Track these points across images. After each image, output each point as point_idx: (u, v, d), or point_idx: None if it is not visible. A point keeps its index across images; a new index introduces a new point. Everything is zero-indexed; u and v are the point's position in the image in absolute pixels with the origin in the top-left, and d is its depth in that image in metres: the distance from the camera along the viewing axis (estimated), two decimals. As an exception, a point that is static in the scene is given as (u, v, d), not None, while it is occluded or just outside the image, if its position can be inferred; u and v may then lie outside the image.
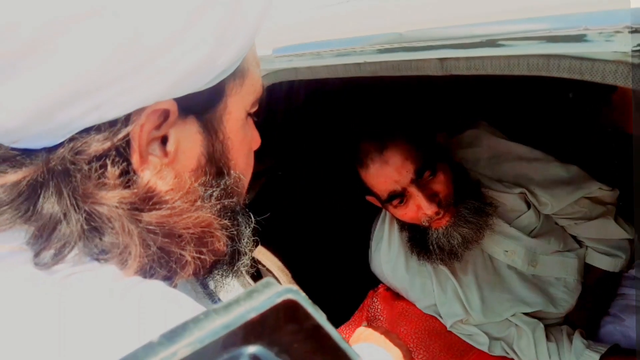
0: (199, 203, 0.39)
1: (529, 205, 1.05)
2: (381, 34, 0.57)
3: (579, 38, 0.39)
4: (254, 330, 0.23)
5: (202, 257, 0.39)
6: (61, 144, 0.34)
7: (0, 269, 0.34)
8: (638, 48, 0.36)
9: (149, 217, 0.35)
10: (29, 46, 0.31)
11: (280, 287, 0.24)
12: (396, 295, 1.14)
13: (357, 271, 1.19)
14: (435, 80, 0.87)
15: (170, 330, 0.21)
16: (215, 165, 0.41)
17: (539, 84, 1.13)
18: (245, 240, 0.45)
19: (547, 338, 0.98)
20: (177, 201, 0.37)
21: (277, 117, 1.09)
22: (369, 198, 1.03)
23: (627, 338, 0.98)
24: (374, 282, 1.18)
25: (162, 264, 0.37)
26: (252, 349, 0.23)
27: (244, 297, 0.23)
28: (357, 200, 1.06)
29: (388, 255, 1.11)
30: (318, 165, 1.22)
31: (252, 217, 0.47)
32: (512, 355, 1.00)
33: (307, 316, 0.23)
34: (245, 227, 0.46)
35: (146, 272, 0.36)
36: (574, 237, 1.07)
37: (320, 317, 0.23)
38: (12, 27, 0.30)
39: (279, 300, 0.23)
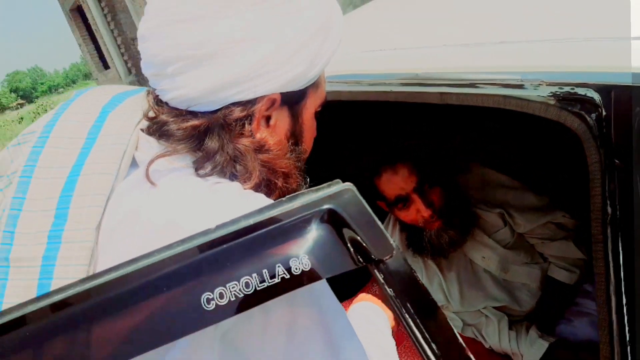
0: (287, 156, 0.65)
1: (505, 223, 1.31)
2: (403, 72, 0.85)
3: (520, 86, 0.66)
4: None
5: (285, 186, 0.65)
6: (218, 110, 0.61)
7: (177, 175, 0.60)
8: (551, 94, 0.63)
9: (262, 156, 0.62)
10: (211, 54, 0.58)
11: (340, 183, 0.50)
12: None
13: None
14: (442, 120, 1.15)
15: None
16: (295, 138, 0.68)
17: (527, 126, 1.39)
18: (304, 187, 0.71)
19: (509, 328, 1.22)
20: (276, 151, 0.63)
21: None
22: (379, 202, 1.28)
23: (574, 336, 1.22)
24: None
25: (265, 185, 0.63)
26: (327, 205, 0.48)
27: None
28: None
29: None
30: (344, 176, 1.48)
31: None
32: (479, 338, 1.23)
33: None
34: (304, 181, 0.71)
35: (256, 189, 0.62)
36: (540, 254, 1.32)
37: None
38: (204, 42, 0.57)
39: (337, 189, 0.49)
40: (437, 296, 1.28)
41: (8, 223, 0.57)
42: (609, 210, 0.56)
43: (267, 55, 0.59)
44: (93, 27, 12.39)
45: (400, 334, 1.23)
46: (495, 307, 1.26)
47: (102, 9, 11.77)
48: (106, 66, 13.62)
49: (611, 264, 0.57)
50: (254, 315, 0.55)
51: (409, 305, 0.52)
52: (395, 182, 1.18)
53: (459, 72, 0.73)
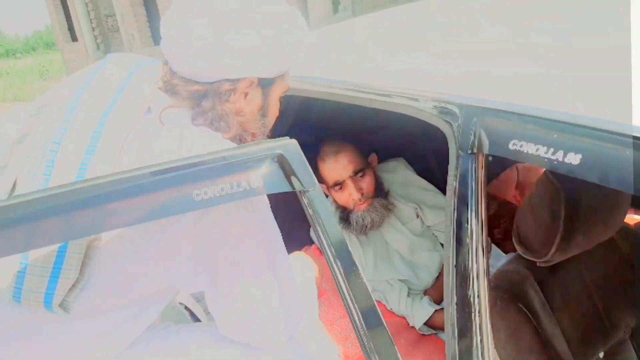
0: (256, 122, 0.94)
1: (417, 216, 1.64)
2: (348, 81, 1.15)
3: (417, 100, 0.97)
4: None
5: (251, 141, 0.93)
6: (214, 82, 0.89)
7: (179, 121, 0.87)
8: (433, 107, 0.94)
9: (238, 118, 0.90)
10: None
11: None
12: (321, 253, 1.67)
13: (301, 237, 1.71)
14: (375, 123, 1.46)
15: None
16: (263, 111, 0.97)
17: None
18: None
19: (408, 295, 1.54)
20: (249, 117, 0.92)
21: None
22: (321, 185, 1.58)
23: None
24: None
25: (238, 139, 0.91)
26: (278, 150, 0.77)
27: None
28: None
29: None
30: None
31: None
32: (383, 302, 1.54)
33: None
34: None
35: (232, 140, 0.90)
36: (441, 243, 1.65)
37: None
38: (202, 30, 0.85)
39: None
40: (355, 265, 1.58)
41: (57, 135, 0.83)
42: (456, 185, 0.88)
43: (252, 52, 0.88)
44: (67, -2, 12.26)
45: (321, 289, 1.52)
46: (399, 279, 1.57)
47: (80, -19, 11.65)
48: (74, 38, 13.43)
49: (454, 223, 0.89)
50: (220, 219, 0.83)
51: (321, 224, 0.81)
52: (335, 169, 1.49)
53: (382, 85, 1.04)
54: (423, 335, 1.46)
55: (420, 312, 1.48)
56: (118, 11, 10.07)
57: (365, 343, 0.80)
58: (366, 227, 1.53)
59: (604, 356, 1.07)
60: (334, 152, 1.48)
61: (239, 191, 0.74)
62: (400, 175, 1.70)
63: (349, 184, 1.49)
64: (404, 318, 1.52)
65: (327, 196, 1.63)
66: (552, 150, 0.69)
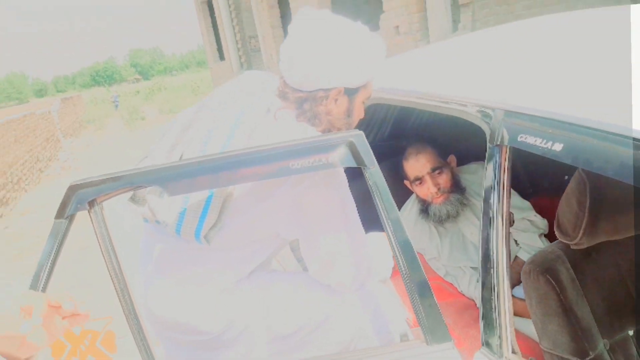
0: (341, 121, 1.28)
1: (493, 213, 1.84)
2: (418, 91, 1.45)
3: (465, 105, 1.24)
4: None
5: None
6: (312, 91, 1.25)
7: (287, 118, 1.25)
8: (477, 111, 1.21)
9: (329, 117, 1.26)
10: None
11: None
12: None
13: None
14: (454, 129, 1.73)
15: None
16: (348, 113, 1.31)
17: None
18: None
19: (477, 281, 1.75)
20: (336, 117, 1.27)
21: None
22: (405, 182, 1.87)
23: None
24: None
25: (327, 132, 1.26)
26: (350, 138, 1.10)
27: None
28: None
29: (405, 217, 1.95)
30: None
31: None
32: (455, 284, 1.78)
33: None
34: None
35: (322, 132, 1.26)
36: (515, 239, 1.84)
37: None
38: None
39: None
40: (432, 250, 1.84)
41: (210, 126, 1.25)
42: (494, 175, 1.13)
43: (341, 68, 1.23)
44: (218, 21, 13.81)
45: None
46: (471, 267, 1.80)
47: (229, 5, 13.05)
48: (222, 57, 15.06)
49: (485, 205, 1.14)
50: (311, 187, 1.18)
51: (379, 195, 1.12)
52: (415, 166, 1.78)
53: (442, 94, 1.32)
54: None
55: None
56: (260, 33, 11.19)
57: (416, 309, 1.08)
58: (442, 218, 1.79)
59: (609, 348, 1.21)
60: (415, 152, 1.77)
61: (322, 164, 1.09)
62: (478, 177, 1.92)
63: (427, 179, 1.76)
64: (472, 300, 1.74)
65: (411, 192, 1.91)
66: (544, 141, 0.94)
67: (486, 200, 1.12)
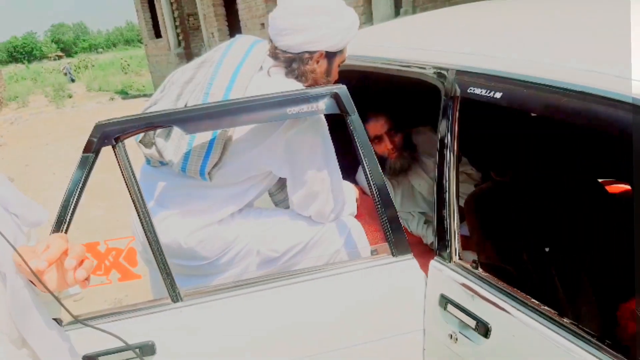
0: (322, 79, 1.53)
1: (437, 168, 2.17)
2: (386, 57, 1.72)
3: (423, 68, 1.53)
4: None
5: None
6: (299, 52, 1.49)
7: (278, 74, 1.48)
8: (434, 72, 1.50)
9: (313, 75, 1.50)
10: (302, 30, 1.46)
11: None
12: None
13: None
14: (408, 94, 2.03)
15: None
16: (327, 73, 1.56)
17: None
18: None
19: (424, 223, 2.08)
20: (319, 75, 1.51)
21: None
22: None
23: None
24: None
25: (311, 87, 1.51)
26: (335, 90, 1.35)
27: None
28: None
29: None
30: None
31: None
32: (406, 225, 2.10)
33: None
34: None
35: (308, 87, 1.50)
36: (455, 190, 2.17)
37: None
38: (300, 24, 1.45)
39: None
40: (387, 199, 2.14)
41: (210, 78, 1.46)
42: (448, 121, 1.42)
43: (323, 35, 1.48)
44: (154, -2, 13.50)
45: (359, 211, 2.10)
46: (419, 212, 2.12)
47: (167, -17, 12.73)
48: (158, 35, 14.70)
49: (438, 147, 1.43)
50: (300, 132, 1.43)
51: (359, 138, 1.39)
52: (375, 127, 2.06)
53: (404, 59, 1.60)
54: (430, 249, 2.01)
55: (431, 234, 2.03)
56: (201, 11, 11.08)
57: (388, 236, 1.37)
58: (396, 171, 2.09)
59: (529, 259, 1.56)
60: (375, 115, 2.06)
61: (311, 111, 1.33)
62: (426, 137, 2.24)
63: (385, 137, 2.06)
64: (420, 237, 2.07)
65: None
66: (487, 91, 1.24)
67: (441, 141, 1.41)
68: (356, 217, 2.03)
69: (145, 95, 15.99)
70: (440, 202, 1.40)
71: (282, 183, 1.71)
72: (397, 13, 5.87)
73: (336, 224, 1.60)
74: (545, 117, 1.10)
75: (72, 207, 1.27)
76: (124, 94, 18.50)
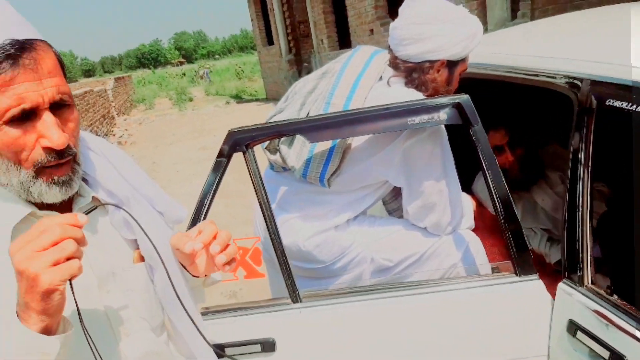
0: (443, 89, 1.51)
1: (562, 182, 2.04)
2: (505, 65, 1.65)
3: (554, 77, 1.44)
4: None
5: None
6: (420, 62, 1.48)
7: (398, 84, 1.49)
8: (566, 82, 1.41)
9: (433, 85, 1.49)
10: (423, 39, 1.45)
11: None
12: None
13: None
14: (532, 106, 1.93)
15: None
16: (448, 82, 1.53)
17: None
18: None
19: (547, 240, 1.96)
20: (439, 84, 1.50)
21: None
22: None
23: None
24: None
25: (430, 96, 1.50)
26: (457, 100, 1.33)
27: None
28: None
29: (482, 182, 2.16)
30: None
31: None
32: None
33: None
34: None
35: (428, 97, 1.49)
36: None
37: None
38: (421, 33, 1.44)
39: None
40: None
41: (331, 89, 1.50)
42: (582, 136, 1.33)
43: (445, 43, 1.46)
44: (268, 6, 14.13)
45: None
46: (542, 228, 2.00)
47: (280, -9, 13.26)
48: (270, 42, 15.38)
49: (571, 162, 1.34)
50: (418, 142, 1.42)
51: (482, 149, 1.35)
52: (495, 137, 1.98)
53: (532, 68, 1.52)
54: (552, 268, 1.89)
55: (556, 253, 1.90)
56: (312, 19, 11.41)
57: (511, 254, 1.31)
58: (517, 186, 1.99)
59: None
60: (494, 125, 1.98)
61: (432, 121, 1.32)
62: (550, 152, 2.11)
63: (505, 149, 1.97)
64: (540, 255, 1.95)
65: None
66: (631, 104, 1.14)
67: (574, 156, 1.33)
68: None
69: (257, 100, 16.82)
70: (572, 221, 1.31)
71: (396, 191, 1.71)
72: (513, 17, 5.59)
73: (453, 237, 1.56)
74: None
75: (207, 207, 1.38)
76: (238, 98, 19.60)
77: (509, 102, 2.12)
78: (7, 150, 0.74)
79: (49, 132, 0.73)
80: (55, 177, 0.77)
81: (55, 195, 0.77)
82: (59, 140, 0.74)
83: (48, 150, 0.75)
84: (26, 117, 0.72)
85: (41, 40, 0.75)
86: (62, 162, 0.77)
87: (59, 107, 0.76)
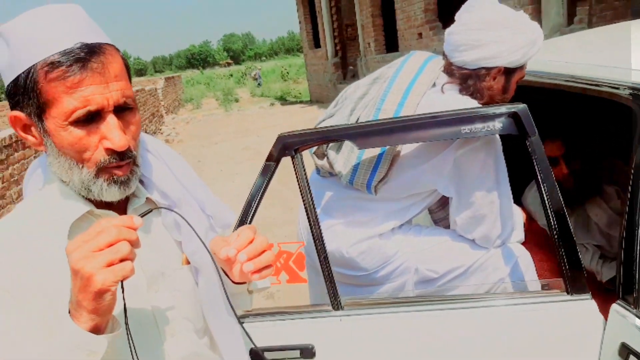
0: (499, 97, 1.47)
1: (619, 197, 1.94)
2: (565, 73, 1.59)
3: (617, 88, 1.37)
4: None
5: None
6: (476, 68, 1.44)
7: (452, 91, 1.46)
8: (629, 94, 1.34)
9: (489, 92, 1.44)
10: (480, 45, 1.41)
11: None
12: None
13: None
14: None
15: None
16: (505, 90, 1.48)
17: None
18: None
19: (599, 257, 1.87)
20: (496, 92, 1.45)
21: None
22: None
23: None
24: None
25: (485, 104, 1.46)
26: (514, 109, 1.28)
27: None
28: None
29: (533, 192, 2.09)
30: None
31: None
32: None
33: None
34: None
35: (484, 105, 1.45)
36: None
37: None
38: (478, 39, 1.40)
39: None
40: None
41: (383, 95, 1.49)
42: (635, 151, 1.26)
43: (503, 50, 1.41)
44: (317, 9, 14.20)
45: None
46: (594, 245, 1.91)
47: (329, -6, 13.30)
48: (317, 45, 15.46)
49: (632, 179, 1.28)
50: (470, 152, 1.38)
51: (538, 160, 1.29)
52: (550, 147, 1.91)
53: (595, 78, 1.46)
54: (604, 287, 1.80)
55: (608, 271, 1.81)
56: (359, 22, 11.39)
57: (564, 271, 1.25)
58: (570, 199, 1.91)
59: None
60: (549, 140, 1.91)
61: (486, 130, 1.28)
62: (607, 161, 2.01)
63: (560, 161, 1.89)
64: (591, 272, 1.87)
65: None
66: None
67: (636, 171, 1.26)
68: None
69: (301, 102, 16.94)
70: (630, 239, 1.24)
71: (443, 201, 1.67)
72: (570, 22, 5.39)
73: (502, 251, 1.51)
74: None
75: (253, 210, 1.39)
76: (283, 99, 19.80)
77: (565, 111, 2.04)
78: (71, 150, 0.76)
79: (112, 134, 0.75)
80: (115, 177, 0.79)
81: (114, 194, 0.80)
82: (120, 142, 0.76)
83: (110, 151, 0.77)
84: (91, 118, 0.75)
85: (110, 45, 0.77)
86: (122, 164, 0.79)
87: (122, 110, 0.78)
